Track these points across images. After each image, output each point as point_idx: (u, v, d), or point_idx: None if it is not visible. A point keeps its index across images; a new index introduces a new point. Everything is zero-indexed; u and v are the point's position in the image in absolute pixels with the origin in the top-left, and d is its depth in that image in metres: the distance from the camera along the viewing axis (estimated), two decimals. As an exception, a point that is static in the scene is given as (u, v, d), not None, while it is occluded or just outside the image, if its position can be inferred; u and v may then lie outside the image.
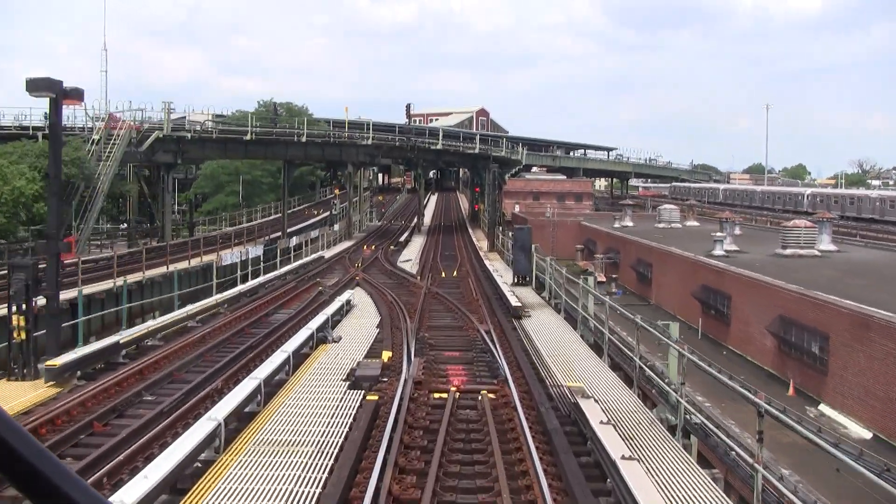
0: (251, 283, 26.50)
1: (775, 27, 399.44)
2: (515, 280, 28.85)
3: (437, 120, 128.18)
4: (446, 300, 23.93)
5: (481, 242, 49.75)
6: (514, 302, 21.95)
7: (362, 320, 20.29)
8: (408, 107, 55.91)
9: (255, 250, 30.21)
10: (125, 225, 49.22)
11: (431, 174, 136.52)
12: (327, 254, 40.91)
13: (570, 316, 21.88)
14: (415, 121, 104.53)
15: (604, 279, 50.94)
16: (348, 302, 22.19)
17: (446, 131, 68.82)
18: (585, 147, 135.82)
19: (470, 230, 61.42)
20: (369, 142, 50.96)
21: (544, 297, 26.45)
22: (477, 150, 62.61)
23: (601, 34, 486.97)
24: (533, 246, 29.21)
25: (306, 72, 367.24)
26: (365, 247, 47.26)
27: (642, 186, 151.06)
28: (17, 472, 0.90)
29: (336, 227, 49.52)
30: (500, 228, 48.30)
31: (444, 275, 32.80)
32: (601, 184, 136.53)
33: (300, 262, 34.41)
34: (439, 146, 57.83)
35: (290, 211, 79.68)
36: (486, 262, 36.27)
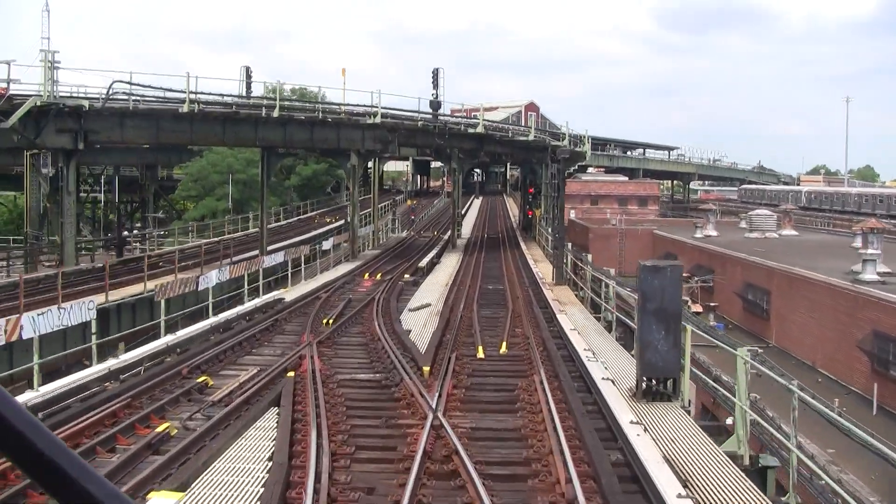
0: None
1: (827, 28, 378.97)
2: (646, 384, 12.49)
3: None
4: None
5: (540, 267, 33.15)
6: None
7: None
8: (435, 72, 39.41)
9: (82, 313, 13.85)
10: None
11: (475, 177, 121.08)
12: (292, 294, 24.84)
13: None
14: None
15: (700, 309, 41.28)
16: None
17: (490, 122, 52.83)
18: (644, 146, 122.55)
19: (522, 245, 44.92)
20: (377, 120, 34.78)
21: (732, 455, 10.26)
22: (531, 138, 46.34)
23: (649, 38, 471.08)
24: (686, 308, 12.81)
25: (352, 77, 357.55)
26: (367, 275, 31.25)
27: (702, 190, 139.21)
28: (34, 466, 0.90)
29: (326, 243, 33.44)
30: (571, 247, 31.92)
31: (481, 353, 16.24)
32: (661, 187, 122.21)
33: (214, 319, 18.50)
34: (479, 129, 41.48)
35: (295, 219, 64.45)
36: (560, 317, 19.99)
